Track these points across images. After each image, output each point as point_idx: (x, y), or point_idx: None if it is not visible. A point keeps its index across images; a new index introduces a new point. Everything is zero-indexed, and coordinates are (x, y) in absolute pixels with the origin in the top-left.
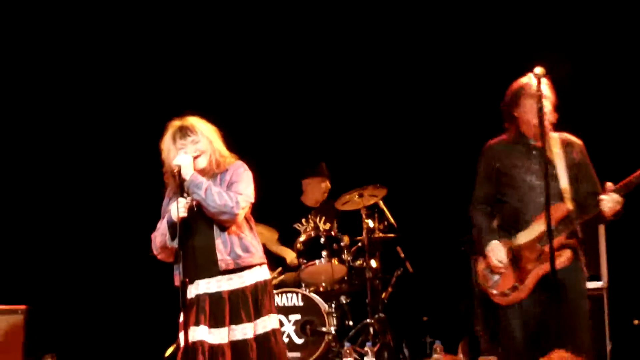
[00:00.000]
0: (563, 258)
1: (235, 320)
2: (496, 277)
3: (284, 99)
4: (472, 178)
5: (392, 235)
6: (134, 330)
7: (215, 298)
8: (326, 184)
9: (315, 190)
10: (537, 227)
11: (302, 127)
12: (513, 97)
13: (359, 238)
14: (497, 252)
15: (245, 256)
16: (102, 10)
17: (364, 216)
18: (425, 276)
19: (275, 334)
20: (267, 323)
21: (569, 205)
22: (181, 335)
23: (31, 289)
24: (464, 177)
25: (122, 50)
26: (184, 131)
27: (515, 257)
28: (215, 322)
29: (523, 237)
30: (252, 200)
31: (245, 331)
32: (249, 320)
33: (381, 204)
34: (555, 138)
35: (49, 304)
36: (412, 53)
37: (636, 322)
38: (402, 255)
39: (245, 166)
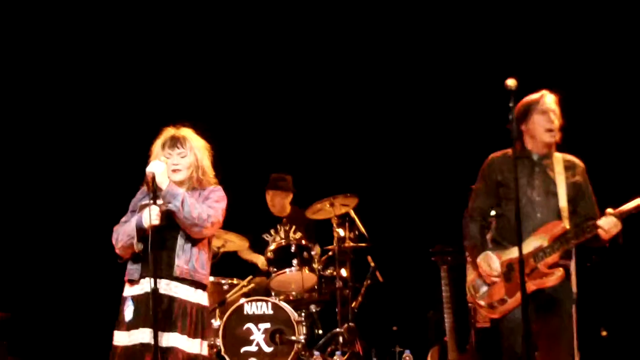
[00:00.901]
0: (554, 277)
1: (187, 331)
2: (485, 288)
3: (256, 108)
4: (443, 188)
5: (362, 244)
6: (96, 331)
7: (171, 300)
8: (289, 198)
9: (277, 203)
10: (533, 243)
11: (274, 134)
12: (523, 112)
13: (329, 247)
14: (491, 261)
15: (200, 272)
16: (100, 16)
17: (334, 225)
18: (395, 286)
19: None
20: (205, 347)
21: (565, 224)
22: (124, 335)
23: (8, 298)
24: (435, 188)
25: (113, 59)
26: (174, 141)
27: (508, 270)
28: (166, 324)
29: (515, 252)
30: (220, 221)
31: (196, 346)
32: (197, 337)
33: (352, 213)
34: (559, 158)
35: (19, 313)
36: (380, 63)
37: (604, 333)
38: (373, 264)
39: (223, 192)
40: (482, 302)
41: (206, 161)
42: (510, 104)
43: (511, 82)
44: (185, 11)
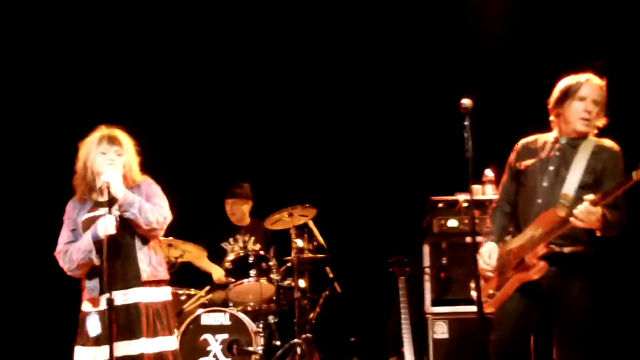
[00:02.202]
0: (534, 270)
1: (152, 333)
2: (481, 282)
3: (217, 119)
4: (400, 201)
5: (321, 255)
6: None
7: (134, 308)
8: (248, 205)
9: (237, 211)
10: (528, 233)
11: (234, 145)
12: (562, 94)
13: (287, 258)
14: (485, 255)
15: (160, 270)
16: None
17: (293, 236)
18: (353, 297)
19: (178, 353)
20: (174, 341)
21: (560, 212)
22: (90, 350)
23: None
24: (392, 200)
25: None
26: (112, 140)
27: (505, 262)
28: (131, 333)
29: (516, 242)
30: (171, 217)
31: (162, 344)
32: (164, 334)
33: (310, 224)
34: (590, 142)
35: None
36: (339, 78)
37: None
38: (331, 275)
39: (155, 183)
40: (474, 294)
41: (134, 158)
42: (466, 123)
43: (466, 102)
44: (142, 16)
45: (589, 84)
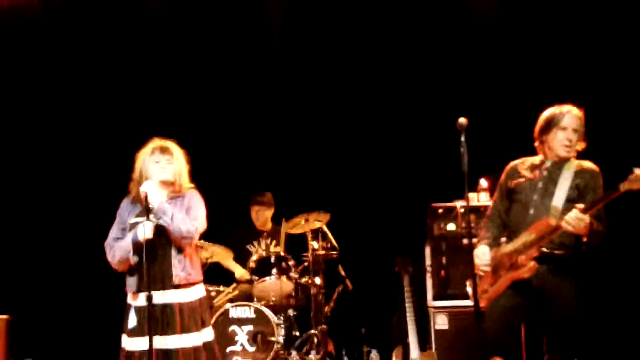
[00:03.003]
0: (526, 269)
1: (186, 329)
2: (483, 284)
3: (241, 135)
4: (404, 208)
5: (334, 255)
6: (97, 332)
7: (169, 308)
8: (271, 212)
9: (261, 217)
10: (522, 239)
11: (257, 159)
12: (545, 124)
13: (304, 258)
14: (480, 255)
15: (193, 274)
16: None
17: (309, 238)
18: (362, 292)
19: (214, 343)
20: (209, 333)
21: (551, 220)
22: (131, 341)
23: (11, 300)
24: (397, 207)
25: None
26: (164, 149)
27: (498, 264)
28: (166, 330)
29: (510, 246)
30: (205, 226)
31: (195, 339)
32: (197, 330)
33: (325, 227)
34: (573, 164)
35: (27, 314)
36: (351, 97)
37: None
38: (343, 273)
39: (199, 195)
40: (469, 290)
41: (185, 170)
42: (462, 139)
43: (462, 121)
44: (171, 39)
45: (570, 115)
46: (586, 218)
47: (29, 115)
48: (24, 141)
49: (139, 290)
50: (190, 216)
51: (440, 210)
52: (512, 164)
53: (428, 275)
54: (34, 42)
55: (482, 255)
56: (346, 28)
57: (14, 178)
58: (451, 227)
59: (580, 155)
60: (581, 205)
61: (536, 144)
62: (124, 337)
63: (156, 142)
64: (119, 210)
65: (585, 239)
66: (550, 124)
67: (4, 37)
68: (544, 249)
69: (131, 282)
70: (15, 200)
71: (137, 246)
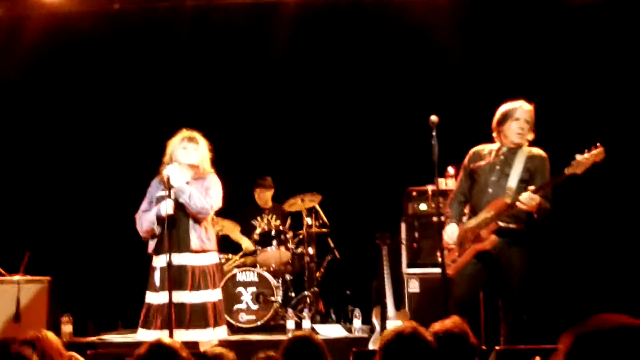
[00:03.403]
0: (488, 241)
1: (196, 287)
2: (445, 252)
3: (247, 127)
4: (384, 189)
5: (324, 230)
6: (129, 293)
7: (183, 269)
8: (271, 192)
9: (263, 197)
10: (482, 215)
11: (260, 147)
12: (502, 116)
13: (300, 232)
14: (449, 233)
15: (207, 243)
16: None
17: (304, 215)
18: (348, 261)
19: (220, 302)
20: (217, 294)
21: (506, 199)
22: (153, 295)
23: (51, 263)
24: (378, 188)
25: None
26: (191, 138)
27: (463, 238)
28: (179, 286)
29: (472, 222)
30: (220, 205)
31: (204, 296)
32: (207, 288)
33: (317, 206)
34: (525, 150)
35: (66, 276)
36: (341, 98)
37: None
38: (332, 245)
39: (217, 177)
40: (447, 261)
41: (207, 157)
42: (433, 133)
43: (434, 118)
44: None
45: (522, 109)
46: (537, 198)
47: (83, 106)
48: (78, 124)
49: (159, 253)
50: (207, 195)
51: (414, 193)
52: (474, 149)
53: (403, 247)
54: (74, 42)
55: (451, 233)
56: (337, 33)
57: (61, 155)
58: (423, 207)
59: (532, 144)
60: (532, 187)
61: (494, 134)
62: (148, 293)
63: (185, 132)
64: (149, 187)
65: (535, 216)
66: (506, 116)
67: (46, 36)
68: (501, 224)
69: (151, 244)
70: (60, 176)
71: (161, 219)
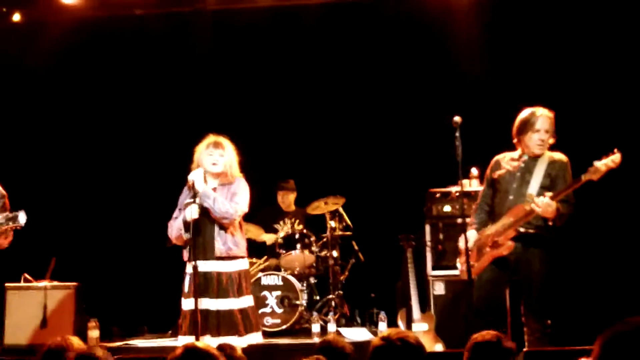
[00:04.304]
0: (504, 247)
1: (222, 295)
2: (463, 257)
3: (273, 130)
4: (408, 191)
5: (348, 233)
6: (155, 299)
7: (208, 275)
8: (294, 195)
9: (286, 200)
10: (502, 222)
11: (283, 151)
12: (521, 126)
13: (323, 235)
14: (467, 239)
15: (234, 249)
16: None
17: (327, 218)
18: (372, 263)
19: (252, 309)
20: (246, 301)
21: (526, 206)
22: (185, 302)
23: (77, 269)
24: (401, 191)
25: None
26: (217, 144)
27: (482, 243)
28: (205, 293)
29: (492, 229)
30: (246, 210)
31: (230, 304)
32: (234, 296)
33: (341, 209)
34: (546, 156)
35: (91, 281)
36: (366, 102)
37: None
38: (356, 247)
39: (245, 182)
40: (458, 265)
41: (234, 162)
42: (457, 134)
43: (457, 119)
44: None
45: (542, 118)
46: (553, 204)
47: (108, 111)
48: (105, 128)
49: (189, 260)
50: (233, 201)
51: (437, 195)
52: (495, 158)
53: (427, 249)
54: (95, 47)
55: (470, 238)
56: (359, 35)
57: (94, 164)
58: (447, 208)
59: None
60: (550, 193)
61: (514, 140)
62: (183, 300)
63: (211, 138)
64: (180, 195)
65: (550, 223)
66: (526, 126)
67: (67, 42)
68: (521, 229)
69: (185, 252)
70: (86, 181)
71: (187, 224)
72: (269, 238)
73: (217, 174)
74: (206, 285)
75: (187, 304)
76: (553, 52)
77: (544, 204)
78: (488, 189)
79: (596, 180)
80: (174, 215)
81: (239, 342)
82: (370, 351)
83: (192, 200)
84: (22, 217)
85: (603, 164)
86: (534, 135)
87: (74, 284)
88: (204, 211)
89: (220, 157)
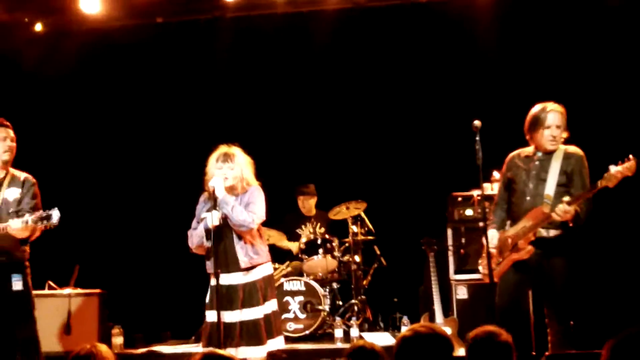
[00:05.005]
0: (524, 251)
1: (247, 304)
2: (485, 260)
3: (290, 137)
4: (428, 195)
5: (370, 237)
6: (178, 306)
7: (233, 288)
8: (315, 200)
9: (307, 205)
10: (521, 224)
11: (303, 155)
12: (531, 123)
13: (345, 240)
14: (490, 239)
15: (255, 258)
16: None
17: (349, 223)
18: (394, 268)
19: (275, 314)
20: (270, 306)
21: (544, 209)
22: (209, 313)
23: (102, 277)
24: (422, 195)
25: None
26: (225, 157)
27: (503, 245)
28: (230, 306)
29: (511, 231)
30: (264, 218)
31: (255, 313)
32: (258, 304)
33: (362, 214)
34: (561, 151)
35: (116, 288)
36: (386, 107)
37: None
38: (378, 252)
39: (260, 190)
40: (480, 269)
41: (248, 173)
42: (477, 137)
43: (477, 123)
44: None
45: (552, 114)
46: (571, 209)
47: (128, 118)
48: (124, 135)
49: (211, 270)
50: (248, 209)
51: (459, 199)
52: (510, 155)
53: (449, 253)
54: (117, 56)
55: (491, 238)
56: (377, 38)
57: (117, 171)
58: (469, 212)
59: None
60: (567, 199)
61: (527, 137)
62: (206, 312)
63: (220, 150)
64: (197, 205)
65: (570, 224)
66: (536, 123)
67: (89, 51)
68: (542, 230)
69: (208, 265)
70: (109, 188)
71: (208, 232)
72: (294, 246)
73: (229, 188)
74: (229, 298)
75: (208, 315)
76: (575, 53)
77: (562, 212)
78: (504, 188)
79: (612, 187)
80: (193, 226)
81: (260, 352)
82: (397, 342)
83: (212, 207)
84: (55, 216)
85: (618, 172)
86: (545, 132)
87: (98, 291)
88: (224, 219)
89: (230, 171)
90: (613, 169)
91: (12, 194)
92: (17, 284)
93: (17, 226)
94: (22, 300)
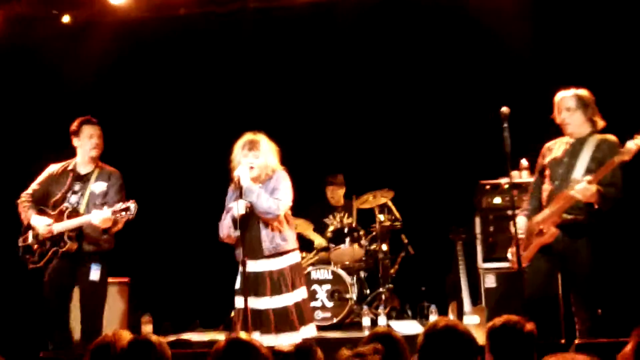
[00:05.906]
0: (547, 236)
1: (276, 292)
2: (514, 247)
3: (318, 127)
4: (457, 183)
5: (397, 226)
6: (207, 294)
7: (260, 275)
8: (343, 190)
9: (335, 195)
10: (548, 209)
11: (331, 145)
12: (554, 111)
13: (372, 228)
14: (518, 225)
15: (282, 244)
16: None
17: (376, 212)
18: (422, 256)
19: (305, 301)
20: (300, 294)
21: (570, 192)
22: (238, 299)
23: (131, 265)
24: (451, 183)
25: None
26: (250, 145)
27: (530, 231)
28: (258, 293)
29: (539, 217)
30: (290, 204)
31: (285, 300)
32: (287, 291)
33: (389, 202)
34: (594, 138)
35: (145, 277)
36: (414, 96)
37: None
38: (405, 241)
39: (286, 174)
40: (509, 256)
41: (273, 160)
42: (505, 125)
43: (505, 110)
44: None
45: (560, 100)
46: (592, 187)
47: (154, 109)
48: (153, 125)
49: (240, 259)
50: (274, 195)
51: (487, 187)
52: (546, 145)
53: (478, 241)
54: (142, 47)
55: (519, 225)
56: (404, 28)
57: (145, 160)
58: (497, 200)
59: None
60: (588, 177)
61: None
62: (236, 298)
63: (246, 138)
64: (226, 195)
65: (596, 206)
66: (554, 111)
67: (115, 41)
68: (567, 216)
69: (237, 253)
70: (137, 177)
71: (235, 221)
72: (318, 240)
73: (255, 178)
74: (257, 285)
75: (238, 301)
76: (603, 38)
77: (582, 189)
78: (539, 176)
79: (628, 160)
80: (222, 216)
81: (295, 338)
82: (424, 334)
83: (238, 195)
84: (133, 208)
85: (634, 143)
86: (560, 117)
87: (127, 279)
88: (250, 207)
89: (256, 159)
90: (630, 142)
91: (99, 187)
92: (94, 274)
93: (98, 217)
94: (95, 291)
